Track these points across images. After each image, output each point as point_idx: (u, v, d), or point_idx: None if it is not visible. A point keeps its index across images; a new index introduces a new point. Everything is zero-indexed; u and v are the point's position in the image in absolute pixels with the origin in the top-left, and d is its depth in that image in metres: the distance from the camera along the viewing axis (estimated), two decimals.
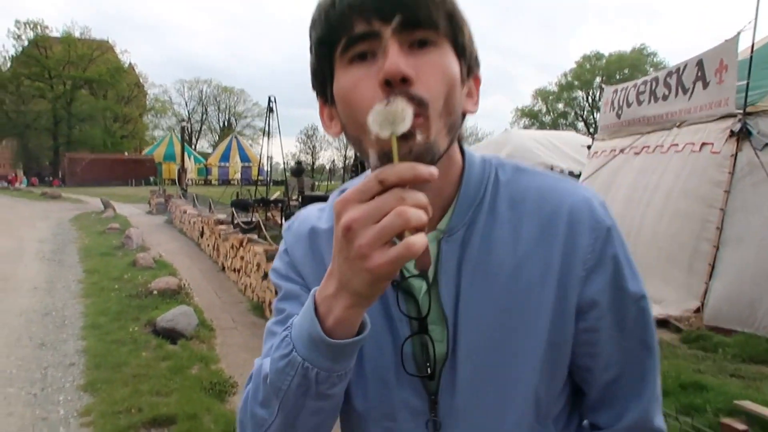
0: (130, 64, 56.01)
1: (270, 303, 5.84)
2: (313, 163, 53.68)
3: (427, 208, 0.53)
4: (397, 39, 0.61)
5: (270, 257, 6.38)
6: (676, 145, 6.80)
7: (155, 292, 6.48)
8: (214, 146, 57.63)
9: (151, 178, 40.38)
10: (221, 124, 66.55)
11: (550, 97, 59.27)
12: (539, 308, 0.71)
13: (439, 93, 0.63)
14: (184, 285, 6.93)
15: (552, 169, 16.10)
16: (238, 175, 44.70)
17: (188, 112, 63.53)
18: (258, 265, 6.62)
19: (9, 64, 50.01)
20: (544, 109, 60.14)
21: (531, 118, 59.31)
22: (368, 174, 0.60)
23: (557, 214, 0.72)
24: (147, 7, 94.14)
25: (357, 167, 10.74)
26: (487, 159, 0.78)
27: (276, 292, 0.83)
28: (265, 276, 6.37)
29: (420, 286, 0.73)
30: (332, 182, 45.70)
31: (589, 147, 10.83)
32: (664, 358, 5.02)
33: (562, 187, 0.75)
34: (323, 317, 0.61)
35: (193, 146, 55.09)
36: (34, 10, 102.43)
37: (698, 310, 5.72)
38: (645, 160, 7.45)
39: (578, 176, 15.39)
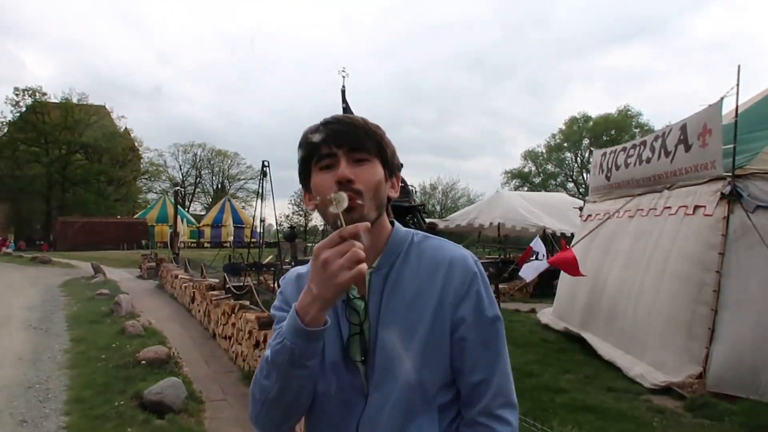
0: (126, 128, 56.75)
1: None
2: (306, 225, 53.75)
3: (364, 255, 0.95)
4: (345, 157, 1.09)
5: (262, 325, 6.25)
6: (669, 207, 6.86)
7: (143, 362, 6.29)
8: (208, 209, 57.74)
9: (143, 242, 40.15)
10: (215, 187, 66.95)
11: (539, 159, 60.27)
12: (423, 320, 1.11)
13: (369, 188, 1.09)
14: (174, 354, 6.73)
15: (545, 231, 16.17)
16: (231, 238, 44.59)
17: (182, 175, 64.04)
18: (250, 333, 6.47)
19: (6, 130, 50.56)
20: (533, 171, 61.03)
21: (521, 179, 60.06)
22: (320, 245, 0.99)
23: (442, 262, 1.16)
24: (144, 74, 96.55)
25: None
26: (408, 230, 1.24)
27: None
28: (257, 345, 6.22)
29: (360, 304, 1.15)
30: None
31: (580, 209, 10.90)
32: (669, 427, 4.87)
33: (448, 246, 1.20)
34: (302, 317, 1.01)
35: (186, 209, 55.14)
36: (33, 77, 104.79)
37: (701, 376, 5.60)
38: (640, 224, 7.49)
39: (570, 237, 15.47)
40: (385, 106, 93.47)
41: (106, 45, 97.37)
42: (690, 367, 5.75)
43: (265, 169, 13.07)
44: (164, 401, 4.98)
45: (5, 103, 52.79)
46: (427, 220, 9.70)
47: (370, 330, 1.13)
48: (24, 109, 50.06)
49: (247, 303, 8.06)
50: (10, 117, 50.40)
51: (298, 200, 62.18)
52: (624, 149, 8.64)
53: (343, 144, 1.10)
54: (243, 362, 6.71)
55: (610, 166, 8.92)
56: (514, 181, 60.19)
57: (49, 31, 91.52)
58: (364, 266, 0.95)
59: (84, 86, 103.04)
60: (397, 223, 1.23)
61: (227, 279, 11.57)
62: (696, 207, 6.32)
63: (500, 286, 13.12)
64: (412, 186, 10.33)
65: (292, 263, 12.47)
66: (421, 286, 1.14)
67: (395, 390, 1.10)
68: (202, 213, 57.81)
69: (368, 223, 1.01)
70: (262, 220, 14.74)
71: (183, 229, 36.09)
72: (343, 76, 9.98)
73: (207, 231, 46.79)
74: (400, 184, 1.25)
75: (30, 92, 50.31)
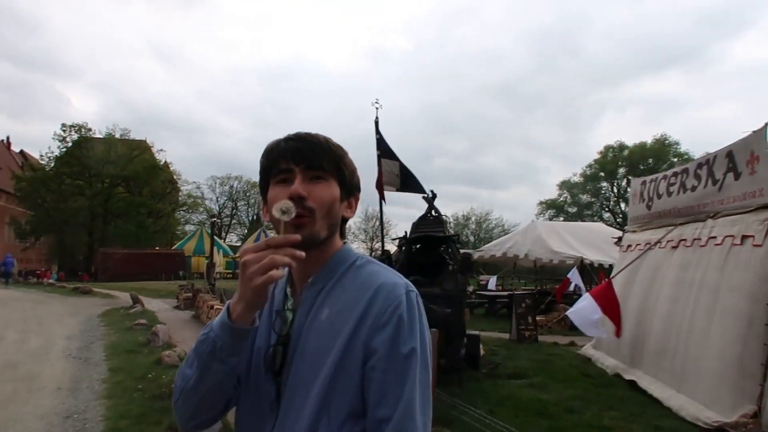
0: (165, 162, 58.33)
1: None
2: None
3: (288, 262, 1.01)
4: (301, 174, 1.13)
5: None
6: (714, 237, 6.62)
7: None
8: (243, 240, 58.54)
9: (181, 272, 40.83)
10: (250, 218, 67.96)
11: (575, 188, 59.40)
12: (336, 342, 1.08)
13: (322, 206, 1.13)
14: None
15: (582, 262, 15.80)
16: None
17: (219, 207, 65.33)
18: None
19: (53, 164, 52.61)
20: (568, 200, 60.15)
21: (555, 209, 59.24)
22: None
23: (370, 286, 1.11)
24: (183, 111, 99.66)
25: (384, 260, 10.67)
26: (356, 253, 1.22)
27: None
28: None
29: (289, 315, 1.17)
30: None
31: (619, 239, 10.63)
32: None
33: (384, 272, 1.16)
34: (231, 313, 1.06)
35: (222, 240, 56.01)
36: (79, 114, 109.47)
37: (755, 415, 5.29)
38: (684, 255, 7.24)
39: (608, 269, 15.07)
40: (416, 136, 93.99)
41: (147, 82, 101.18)
42: (743, 406, 5.44)
43: None
44: None
45: (53, 138, 54.98)
46: (461, 251, 9.57)
47: (291, 343, 1.13)
48: (70, 144, 52.10)
49: None
50: (57, 152, 52.54)
51: None
52: (665, 177, 8.43)
53: (300, 161, 1.13)
54: None
55: (651, 194, 8.71)
56: (549, 211, 59.41)
57: (93, 70, 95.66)
58: (277, 274, 0.99)
59: (125, 121, 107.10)
60: (348, 245, 1.23)
61: None
62: (744, 237, 6.08)
63: (538, 318, 12.81)
64: (446, 216, 10.23)
65: None
66: (344, 307, 1.11)
67: (304, 412, 1.07)
68: (238, 244, 58.62)
69: (298, 236, 1.03)
70: None
71: (219, 259, 36.63)
72: (377, 108, 10.06)
73: None
74: (434, 214, 1.34)
75: (76, 128, 52.43)
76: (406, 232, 9.47)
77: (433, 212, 9.53)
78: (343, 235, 1.24)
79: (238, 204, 67.61)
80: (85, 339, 11.23)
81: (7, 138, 74.67)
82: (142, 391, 6.70)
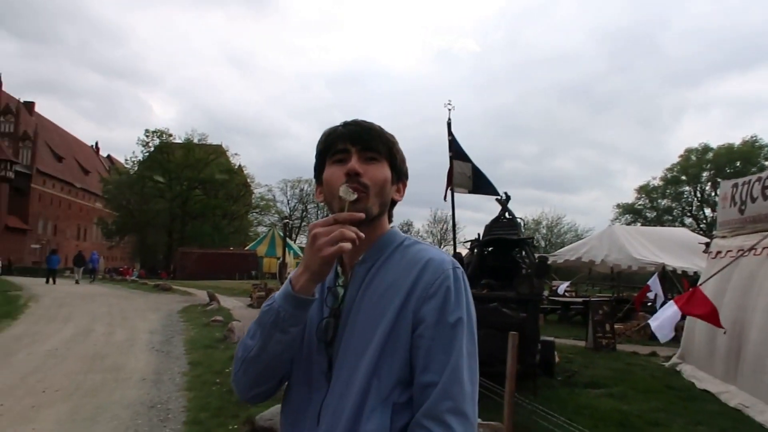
0: (239, 166, 60.45)
1: None
2: None
3: (354, 237, 1.08)
4: (357, 154, 1.21)
5: None
6: None
7: None
8: None
9: (253, 272, 42.10)
10: None
11: (654, 193, 56.69)
12: (388, 312, 1.14)
13: (375, 183, 1.20)
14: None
15: (664, 269, 15.03)
16: None
17: (290, 209, 66.92)
18: None
19: (136, 168, 55.66)
20: (647, 205, 57.50)
21: (633, 214, 56.78)
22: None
23: (420, 261, 1.18)
24: (255, 116, 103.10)
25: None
26: (403, 235, 1.28)
27: None
28: None
29: (341, 291, 1.23)
30: None
31: (707, 245, 10.01)
32: None
33: (432, 250, 1.23)
34: (294, 285, 1.13)
35: (293, 241, 57.38)
36: (160, 120, 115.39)
37: None
38: None
39: (692, 276, 14.24)
40: (483, 139, 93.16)
41: (221, 88, 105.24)
42: None
43: None
44: (275, 428, 5.03)
45: (137, 143, 58.14)
46: (536, 255, 9.30)
47: (342, 316, 1.19)
48: (152, 149, 54.95)
49: None
50: (140, 156, 55.53)
51: (405, 228, 62.98)
52: (759, 179, 7.86)
53: (356, 142, 1.22)
54: None
55: (743, 198, 8.15)
56: (626, 215, 57.00)
57: (172, 77, 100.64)
58: (346, 245, 1.06)
59: (201, 126, 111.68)
60: (395, 227, 1.31)
61: None
62: None
63: (616, 326, 12.28)
64: (521, 219, 9.98)
65: None
66: (395, 281, 1.17)
67: (355, 379, 1.12)
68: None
69: (362, 215, 1.13)
70: None
71: (290, 260, 37.44)
72: (449, 109, 9.96)
73: None
74: (507, 217, 1.34)
75: (158, 134, 55.32)
76: (479, 235, 9.32)
77: (506, 214, 9.33)
78: (390, 219, 1.32)
79: (308, 207, 69.00)
80: (166, 333, 11.74)
81: (96, 144, 79.34)
82: (220, 384, 6.91)
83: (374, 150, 1.22)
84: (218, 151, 57.50)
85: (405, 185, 1.33)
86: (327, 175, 1.23)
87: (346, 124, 1.26)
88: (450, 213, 10.14)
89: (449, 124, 9.69)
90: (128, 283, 30.82)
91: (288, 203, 67.90)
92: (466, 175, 9.58)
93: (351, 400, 1.11)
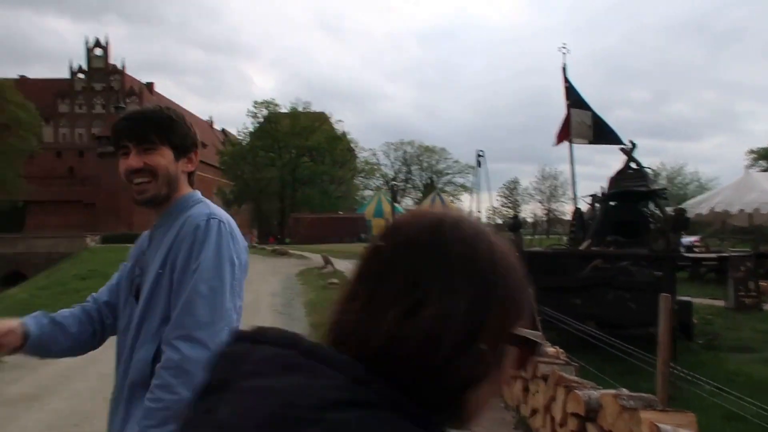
0: (343, 132, 61.45)
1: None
2: (515, 217, 52.69)
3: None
4: (135, 149, 1.42)
5: None
6: None
7: None
8: (418, 203, 59.88)
9: (362, 235, 43.04)
10: (424, 182, 69.15)
11: None
12: (155, 264, 1.42)
13: (159, 170, 1.42)
14: None
15: None
16: None
17: (394, 172, 67.37)
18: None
19: (248, 139, 58.33)
20: None
21: None
22: None
23: (185, 217, 1.42)
24: (350, 80, 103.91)
25: (576, 219, 9.96)
26: (198, 198, 1.50)
27: None
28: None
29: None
30: (535, 236, 44.09)
31: None
32: None
33: (198, 207, 1.45)
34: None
35: (398, 204, 57.92)
36: (260, 90, 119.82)
37: None
38: None
39: None
40: (588, 87, 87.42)
41: (315, 54, 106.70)
42: None
43: (479, 159, 12.86)
44: None
45: (247, 115, 60.74)
46: (672, 207, 8.54)
47: (144, 275, 1.45)
48: (261, 119, 57.19)
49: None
50: (251, 128, 58.05)
51: (506, 192, 61.51)
52: None
53: (131, 138, 1.41)
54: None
55: None
56: (762, 161, 51.50)
57: (269, 47, 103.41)
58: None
59: (300, 94, 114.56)
60: (191, 192, 1.50)
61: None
62: None
63: (761, 283, 11.12)
64: (649, 168, 9.18)
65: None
66: (167, 239, 1.41)
67: (133, 323, 1.42)
68: (414, 208, 60.09)
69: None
70: (477, 212, 14.57)
71: None
72: (564, 53, 9.27)
73: None
74: (634, 167, 1.13)
75: (266, 104, 57.37)
76: (602, 188, 8.70)
77: (632, 165, 8.61)
78: (192, 184, 1.52)
79: (412, 168, 69.10)
80: (287, 296, 12.24)
81: (210, 118, 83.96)
82: None
83: (149, 141, 1.41)
84: (322, 119, 58.73)
85: (196, 153, 1.52)
86: (120, 167, 1.43)
87: (122, 119, 1.44)
88: (559, 168, 9.56)
89: (564, 70, 9.05)
90: (249, 249, 32.58)
91: (392, 166, 68.41)
92: (586, 124, 8.94)
93: (130, 338, 1.41)
